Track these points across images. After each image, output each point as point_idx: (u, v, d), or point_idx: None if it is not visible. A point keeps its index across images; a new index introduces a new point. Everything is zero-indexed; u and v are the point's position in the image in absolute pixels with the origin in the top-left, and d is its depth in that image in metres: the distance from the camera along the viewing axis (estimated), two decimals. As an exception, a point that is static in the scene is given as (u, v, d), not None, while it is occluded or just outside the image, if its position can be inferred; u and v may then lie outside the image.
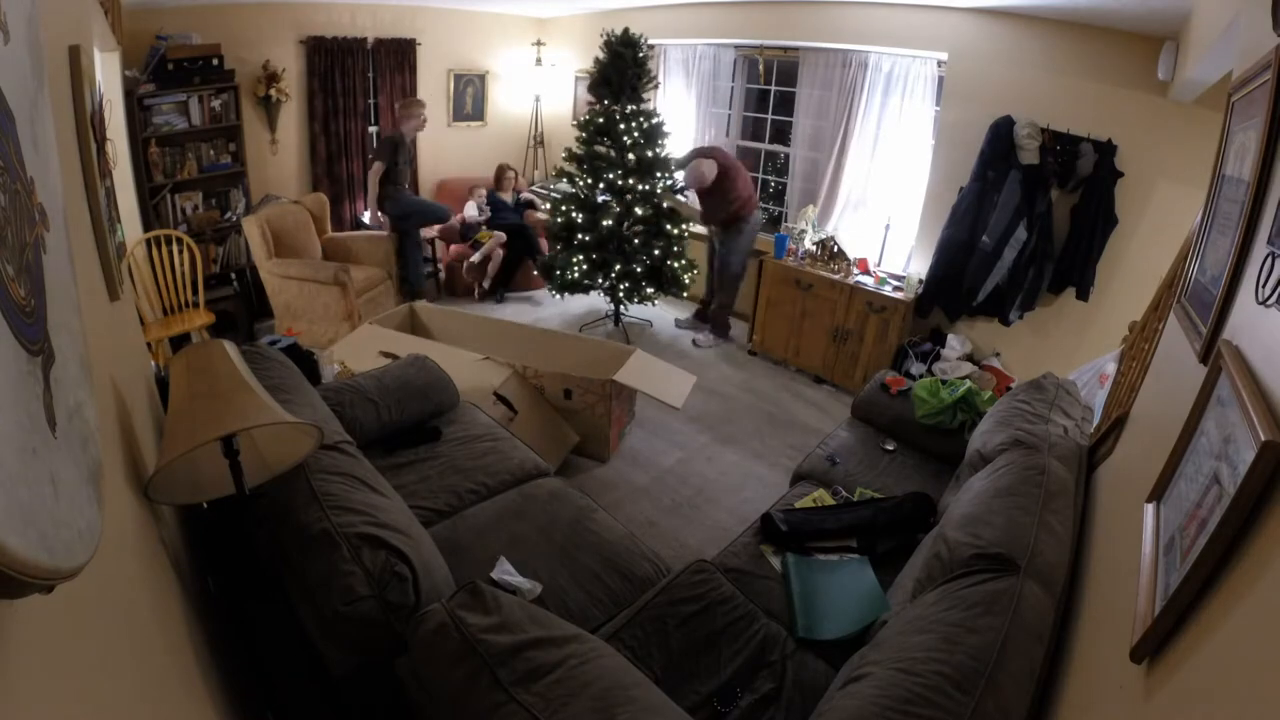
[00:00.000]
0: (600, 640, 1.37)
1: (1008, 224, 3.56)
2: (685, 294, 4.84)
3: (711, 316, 4.90)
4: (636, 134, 4.32)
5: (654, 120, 4.44)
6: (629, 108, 4.33)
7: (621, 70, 4.27)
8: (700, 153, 4.52)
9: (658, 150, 4.43)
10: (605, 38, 4.29)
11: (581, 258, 4.53)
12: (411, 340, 3.45)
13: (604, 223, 4.41)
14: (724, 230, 4.57)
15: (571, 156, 4.55)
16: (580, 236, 4.51)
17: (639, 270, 4.48)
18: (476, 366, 3.15)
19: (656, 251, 4.52)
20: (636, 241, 4.48)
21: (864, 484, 2.50)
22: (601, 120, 4.38)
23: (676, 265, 4.59)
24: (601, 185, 4.44)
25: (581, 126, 4.51)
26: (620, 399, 3.29)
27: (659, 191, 4.45)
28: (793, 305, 4.34)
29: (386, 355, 3.14)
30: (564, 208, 4.56)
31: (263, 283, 4.42)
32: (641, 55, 4.32)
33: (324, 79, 5.09)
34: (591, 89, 4.42)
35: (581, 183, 4.51)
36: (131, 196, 3.89)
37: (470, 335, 3.74)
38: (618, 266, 4.47)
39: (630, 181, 4.38)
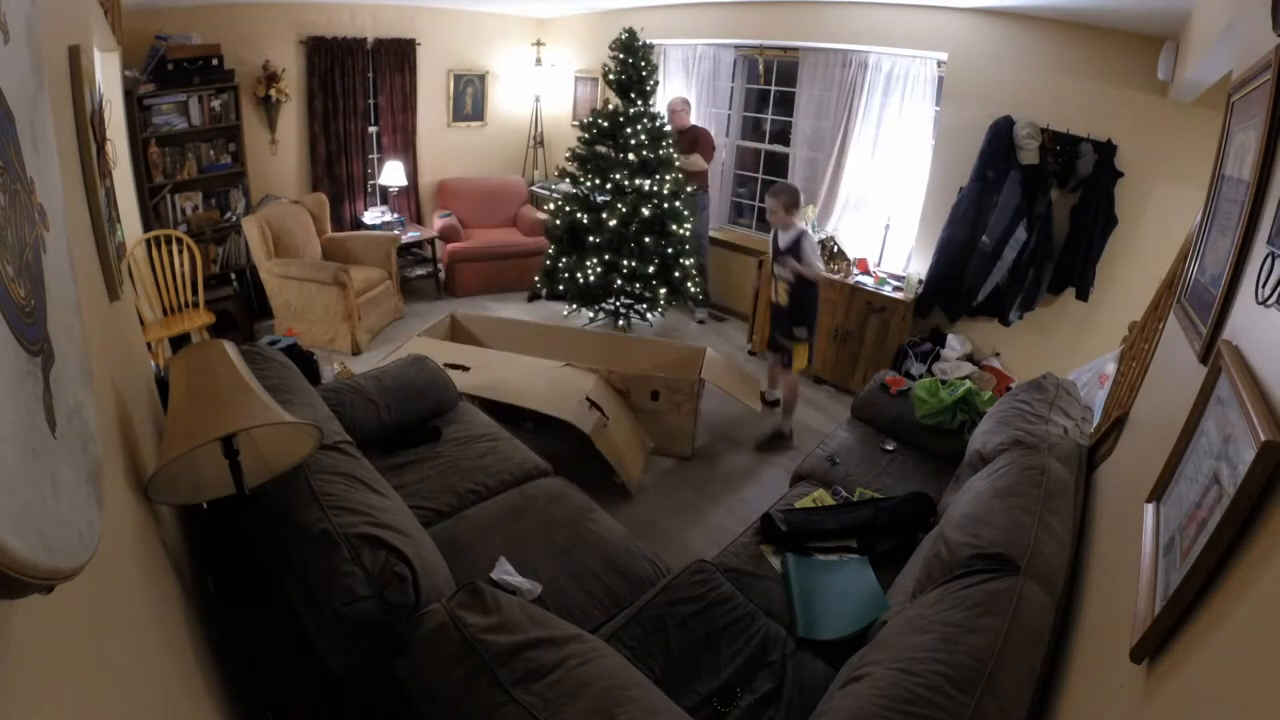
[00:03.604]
0: (600, 640, 1.37)
1: (1008, 224, 3.56)
2: (700, 295, 4.81)
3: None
4: (643, 135, 4.32)
5: (659, 122, 4.43)
6: (632, 109, 4.33)
7: (636, 71, 4.29)
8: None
9: (661, 152, 4.43)
10: (621, 35, 4.29)
11: (595, 260, 4.48)
12: (471, 351, 3.42)
13: (610, 223, 4.40)
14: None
15: (574, 157, 4.54)
16: (591, 239, 4.48)
17: (651, 271, 4.46)
18: (561, 373, 3.09)
19: (670, 250, 4.50)
20: (647, 241, 4.45)
21: (864, 484, 2.50)
22: (606, 123, 4.38)
23: (686, 264, 4.57)
24: (608, 186, 4.43)
25: (585, 127, 4.50)
26: (701, 397, 3.31)
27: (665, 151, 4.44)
28: (793, 305, 4.33)
29: (454, 367, 3.08)
30: (567, 208, 4.55)
31: (263, 283, 4.42)
32: (648, 58, 4.33)
33: (324, 79, 5.08)
34: (618, 92, 4.41)
35: (587, 184, 4.50)
36: (131, 196, 3.88)
37: (514, 341, 3.72)
38: (630, 263, 4.41)
39: (636, 182, 4.37)
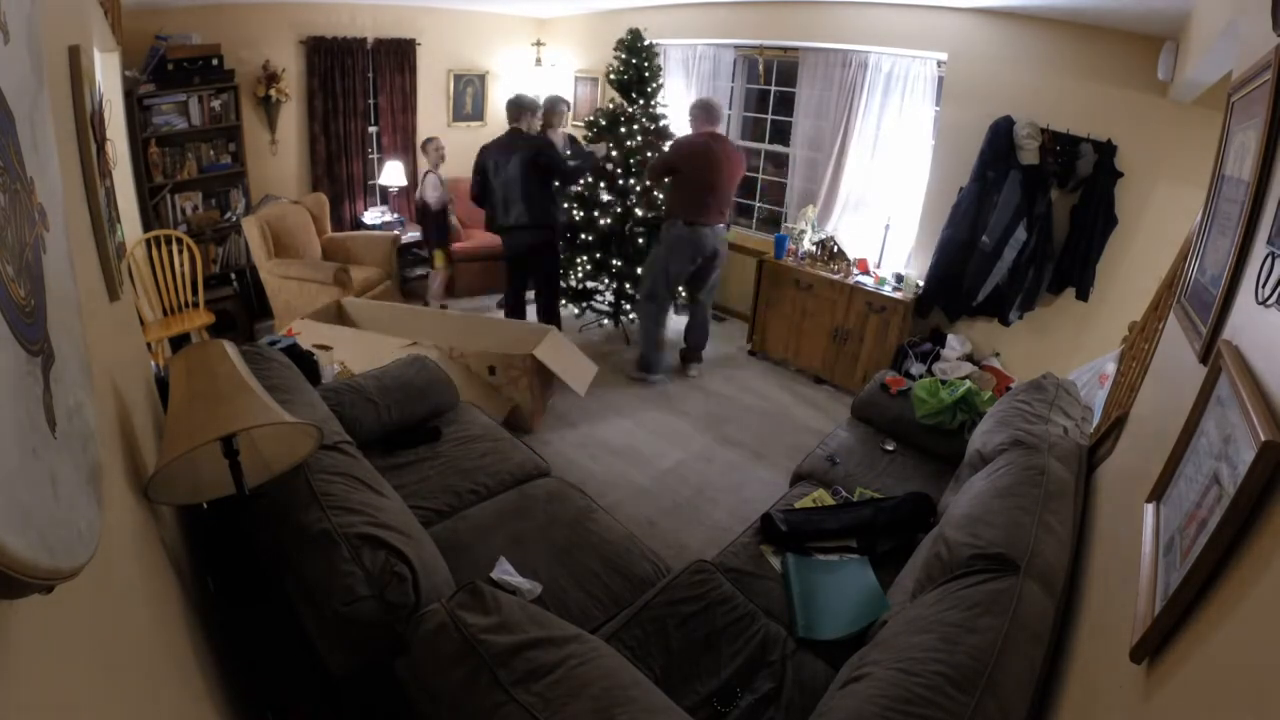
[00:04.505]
0: (600, 640, 1.37)
1: (1007, 224, 3.55)
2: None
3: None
4: (639, 136, 4.32)
5: (661, 123, 4.43)
6: (632, 108, 4.33)
7: (639, 71, 4.29)
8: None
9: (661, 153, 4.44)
10: (626, 38, 4.29)
11: (585, 258, 4.50)
12: (341, 331, 3.64)
13: (602, 221, 4.40)
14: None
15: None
16: (583, 236, 4.50)
17: (640, 272, 4.47)
18: (405, 351, 3.25)
19: None
20: (640, 242, 4.46)
21: (864, 484, 2.50)
22: (605, 121, 4.38)
23: None
24: (601, 184, 4.44)
25: (589, 125, 4.51)
26: (544, 372, 3.44)
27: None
28: (792, 305, 4.34)
29: (320, 348, 3.21)
30: (564, 204, 4.56)
31: (262, 283, 4.42)
32: (651, 59, 4.33)
33: (324, 79, 5.08)
34: (618, 91, 4.40)
35: (585, 180, 4.51)
36: (131, 196, 3.88)
37: (396, 325, 3.88)
38: (618, 263, 4.44)
39: (631, 182, 4.37)
